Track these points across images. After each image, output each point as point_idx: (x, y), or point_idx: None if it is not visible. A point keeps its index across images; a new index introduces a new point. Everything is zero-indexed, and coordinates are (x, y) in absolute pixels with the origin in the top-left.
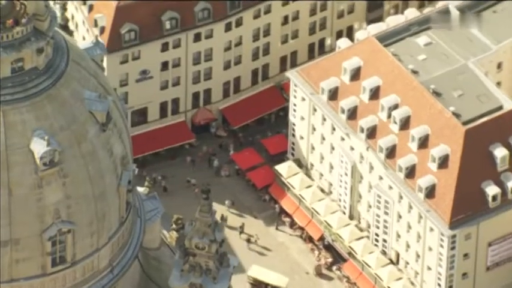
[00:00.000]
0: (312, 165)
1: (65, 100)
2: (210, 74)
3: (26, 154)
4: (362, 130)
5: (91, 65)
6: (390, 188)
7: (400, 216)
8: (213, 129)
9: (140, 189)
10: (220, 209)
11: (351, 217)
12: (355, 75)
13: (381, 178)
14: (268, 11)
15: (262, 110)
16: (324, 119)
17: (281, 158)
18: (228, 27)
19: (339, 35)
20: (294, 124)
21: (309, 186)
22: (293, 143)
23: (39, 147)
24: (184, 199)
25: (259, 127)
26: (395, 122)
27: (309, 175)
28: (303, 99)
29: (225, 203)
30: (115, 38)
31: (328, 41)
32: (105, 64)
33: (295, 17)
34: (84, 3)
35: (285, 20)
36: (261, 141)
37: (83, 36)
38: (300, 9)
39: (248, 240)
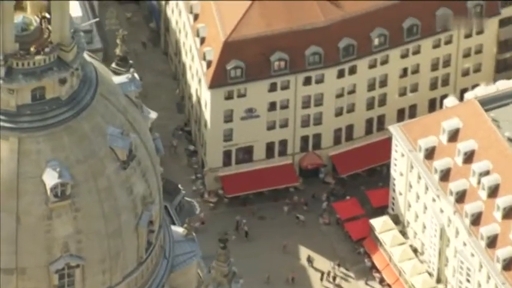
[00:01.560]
0: (408, 222)
1: (85, 133)
2: (320, 119)
3: (38, 184)
4: (451, 193)
5: (122, 100)
6: (472, 255)
7: (479, 286)
8: (322, 175)
9: (179, 230)
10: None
11: (438, 280)
12: (453, 136)
13: (464, 244)
14: (385, 61)
15: (373, 160)
16: (419, 178)
17: (383, 211)
18: (340, 74)
19: (464, 92)
20: (394, 179)
21: (402, 244)
22: (393, 198)
23: (50, 178)
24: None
25: (369, 178)
26: (483, 189)
27: (404, 232)
28: (403, 155)
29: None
30: (221, 73)
31: (450, 98)
32: (208, 98)
33: (415, 71)
34: (197, 35)
35: (404, 73)
36: (366, 193)
37: (189, 66)
38: (421, 63)
39: None
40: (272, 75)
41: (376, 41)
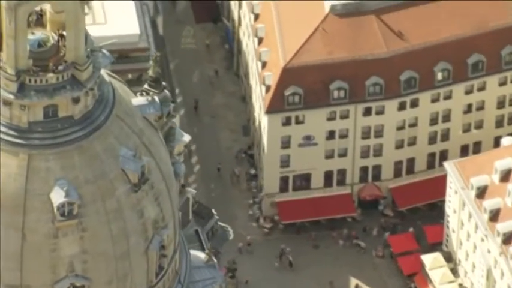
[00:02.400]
0: (459, 260)
1: (96, 154)
2: (380, 151)
3: (45, 202)
4: (499, 234)
5: (139, 122)
6: None
7: None
8: (381, 207)
9: (200, 255)
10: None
11: None
12: (505, 176)
13: (508, 287)
14: (448, 96)
15: (434, 195)
16: (470, 216)
17: (438, 248)
18: (402, 107)
19: None
20: (448, 215)
21: (451, 282)
22: (447, 235)
23: (57, 196)
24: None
25: (429, 212)
26: None
27: (456, 270)
28: (456, 192)
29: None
30: (278, 98)
31: (508, 138)
32: (266, 123)
33: (480, 107)
34: (260, 59)
35: (468, 109)
36: (423, 228)
37: (254, 89)
38: (486, 100)
39: None
40: (331, 104)
41: (439, 75)
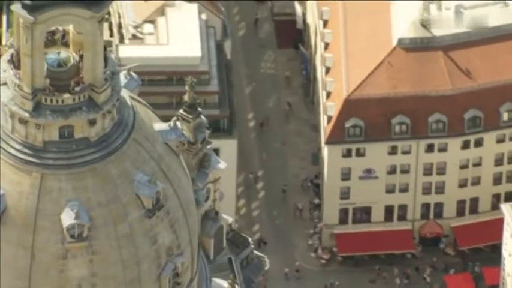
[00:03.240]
0: None
1: (110, 177)
2: (442, 188)
3: (55, 222)
4: None
5: (158, 148)
6: None
7: None
8: (442, 245)
9: (224, 284)
10: None
11: None
12: None
13: None
14: None
15: (497, 237)
16: None
17: None
18: (465, 145)
19: None
20: (504, 258)
21: None
22: (503, 278)
23: (67, 218)
24: None
25: (491, 254)
26: None
27: None
28: None
29: None
30: (339, 129)
31: None
32: (326, 154)
33: None
34: (325, 89)
35: None
36: (482, 269)
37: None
38: None
39: None
40: (392, 138)
41: (505, 116)
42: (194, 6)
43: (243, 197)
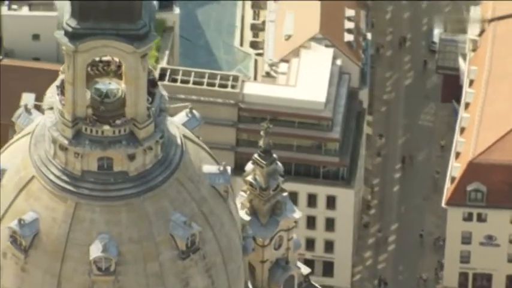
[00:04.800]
0: None
1: (145, 214)
2: None
3: (84, 253)
4: None
5: (203, 190)
6: None
7: None
8: None
9: None
10: None
11: None
12: None
13: None
14: None
15: None
16: None
17: None
18: None
19: None
20: None
21: None
22: None
23: (95, 250)
24: None
25: None
26: None
27: None
28: None
29: None
30: (461, 192)
31: None
32: (448, 215)
33: None
34: (455, 149)
35: None
36: None
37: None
38: None
39: None
40: None
41: None
42: (330, 51)
43: (372, 248)
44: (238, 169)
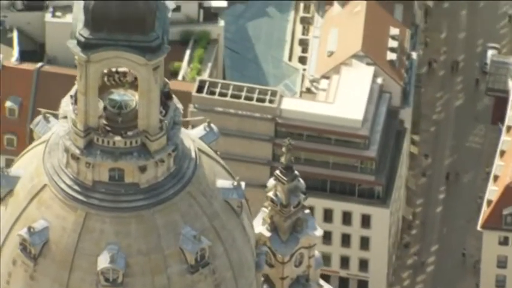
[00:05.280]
0: None
1: (155, 226)
2: None
3: (92, 263)
4: None
5: (215, 205)
6: None
7: None
8: None
9: None
10: None
11: None
12: None
13: None
14: None
15: None
16: None
17: None
18: None
19: None
20: None
21: None
22: None
23: (103, 261)
24: None
25: None
26: None
27: None
28: None
29: None
30: (496, 216)
31: None
32: (483, 239)
33: None
34: (494, 172)
35: None
36: None
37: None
38: None
39: None
40: None
41: None
42: (371, 69)
43: (411, 267)
44: None
